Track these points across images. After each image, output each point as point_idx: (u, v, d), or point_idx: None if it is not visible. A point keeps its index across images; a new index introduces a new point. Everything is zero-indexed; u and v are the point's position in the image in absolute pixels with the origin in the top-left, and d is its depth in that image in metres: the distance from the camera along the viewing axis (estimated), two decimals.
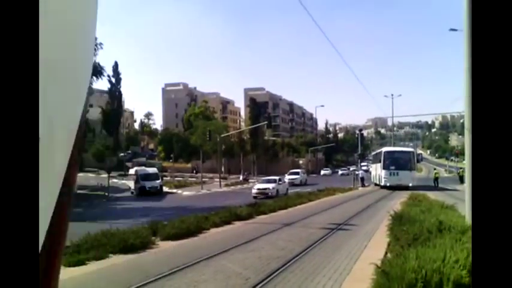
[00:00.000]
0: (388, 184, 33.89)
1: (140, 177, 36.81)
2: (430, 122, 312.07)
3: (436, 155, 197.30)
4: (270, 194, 30.24)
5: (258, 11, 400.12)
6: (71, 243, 8.92)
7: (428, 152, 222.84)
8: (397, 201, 19.72)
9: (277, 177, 35.35)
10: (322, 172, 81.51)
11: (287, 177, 43.98)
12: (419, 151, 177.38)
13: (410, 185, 32.48)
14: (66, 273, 7.31)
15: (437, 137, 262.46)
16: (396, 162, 34.45)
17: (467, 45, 9.54)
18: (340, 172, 79.98)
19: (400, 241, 8.35)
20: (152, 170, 40.56)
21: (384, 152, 36.49)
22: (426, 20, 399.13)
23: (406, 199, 18.77)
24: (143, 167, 45.07)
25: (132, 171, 45.07)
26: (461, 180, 44.24)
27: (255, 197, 29.35)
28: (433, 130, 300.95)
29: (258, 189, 31.21)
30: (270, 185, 31.99)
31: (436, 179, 42.02)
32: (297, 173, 48.03)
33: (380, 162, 35.98)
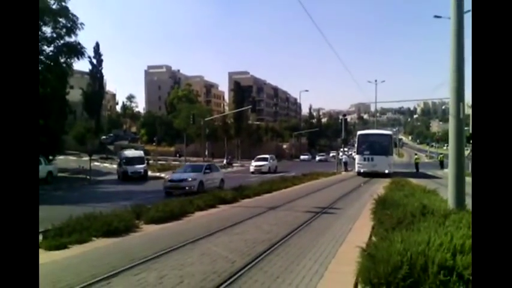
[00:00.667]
0: (362, 171, 31.03)
1: (123, 161, 34.51)
2: (412, 108, 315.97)
3: (418, 140, 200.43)
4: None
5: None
6: (52, 227, 8.76)
7: (410, 137, 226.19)
8: (380, 186, 19.98)
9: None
10: (301, 157, 78.24)
11: (253, 164, 41.66)
12: (400, 136, 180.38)
13: (386, 171, 29.65)
14: (48, 257, 7.18)
15: (418, 123, 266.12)
16: (371, 147, 31.09)
17: (454, 32, 9.54)
18: (317, 158, 75.39)
19: (384, 224, 8.43)
20: (137, 153, 37.96)
21: (358, 136, 32.97)
22: (411, 7, 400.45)
23: (388, 183, 19.00)
24: (129, 150, 42.73)
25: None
26: (442, 165, 45.61)
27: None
28: (415, 116, 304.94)
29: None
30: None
31: (416, 164, 42.85)
32: (265, 159, 42.92)
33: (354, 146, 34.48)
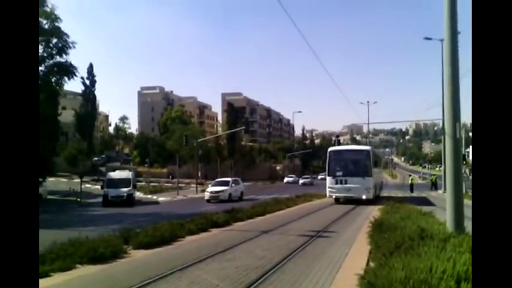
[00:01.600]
0: (334, 196, 25.01)
1: (105, 184, 31.34)
2: (404, 130, 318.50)
3: (410, 161, 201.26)
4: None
5: (237, 15, 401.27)
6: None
7: (403, 158, 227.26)
8: (375, 208, 19.69)
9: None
10: (286, 180, 70.00)
11: (208, 189, 32.43)
12: (393, 157, 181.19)
13: (364, 197, 23.77)
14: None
15: (411, 144, 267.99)
16: (345, 167, 25.03)
17: (448, 53, 9.49)
18: (301, 181, 61.95)
19: (382, 249, 8.13)
20: (124, 174, 33.85)
21: (329, 153, 25.79)
22: (402, 28, 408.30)
23: (384, 205, 18.71)
24: (118, 171, 38.85)
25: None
26: (435, 186, 45.69)
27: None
28: (407, 137, 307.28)
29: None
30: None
31: (411, 185, 42.82)
32: (225, 183, 32.23)
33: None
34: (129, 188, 30.45)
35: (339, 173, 24.34)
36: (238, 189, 32.93)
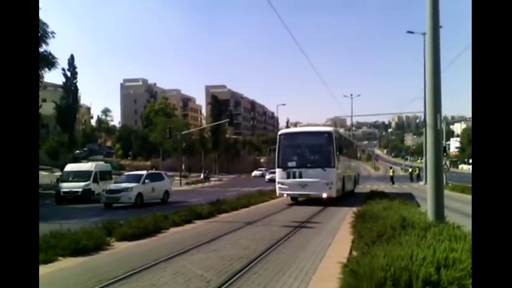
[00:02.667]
0: (285, 194, 19.41)
1: (61, 177, 27.64)
2: (386, 122, 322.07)
3: (393, 154, 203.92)
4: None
5: (222, 6, 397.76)
6: None
7: (385, 151, 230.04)
8: (365, 191, 19.95)
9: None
10: (253, 173, 66.20)
11: (111, 187, 22.81)
12: (376, 150, 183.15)
13: (324, 195, 18.19)
14: None
15: (393, 137, 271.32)
16: (299, 155, 19.28)
17: (430, 46, 9.60)
18: (267, 177, 48.49)
19: (365, 238, 8.24)
20: (85, 166, 28.78)
21: (279, 137, 19.75)
22: (385, 22, 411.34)
23: (369, 192, 19.02)
24: (79, 164, 34.07)
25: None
26: (412, 178, 46.78)
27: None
28: (390, 130, 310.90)
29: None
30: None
31: (392, 177, 43.53)
32: (135, 178, 22.99)
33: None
34: (86, 182, 25.43)
35: (292, 164, 18.76)
36: (160, 188, 24.16)
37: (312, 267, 6.95)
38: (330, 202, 18.28)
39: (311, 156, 19.45)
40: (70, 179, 26.23)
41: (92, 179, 26.24)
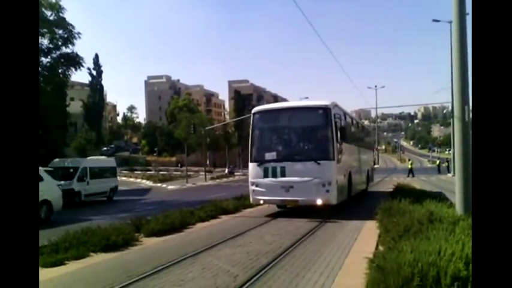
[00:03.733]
0: (261, 200, 13.40)
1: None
2: (412, 113, 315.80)
3: (419, 145, 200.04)
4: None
5: (245, 1, 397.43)
6: (49, 242, 8.51)
7: (412, 143, 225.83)
8: (386, 189, 19.68)
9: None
10: (227, 170, 55.74)
11: None
12: (402, 142, 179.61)
13: (318, 202, 12.45)
14: (43, 274, 6.91)
15: (419, 128, 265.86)
16: (280, 143, 13.85)
17: (457, 35, 9.38)
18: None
19: (391, 233, 8.17)
20: (74, 162, 24.20)
21: (255, 117, 13.96)
22: (409, 11, 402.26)
23: (392, 190, 18.71)
24: (72, 158, 28.37)
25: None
26: (439, 170, 45.80)
27: None
28: (416, 121, 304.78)
29: None
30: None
31: (410, 170, 42.71)
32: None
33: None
34: (68, 181, 21.22)
35: (271, 156, 13.00)
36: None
37: (338, 263, 6.95)
38: (330, 211, 12.91)
39: (299, 143, 13.51)
40: (61, 176, 21.22)
41: (76, 177, 21.99)
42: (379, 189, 24.16)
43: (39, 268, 7.30)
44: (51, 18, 28.86)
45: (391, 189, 18.94)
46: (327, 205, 12.57)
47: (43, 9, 28.29)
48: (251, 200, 13.58)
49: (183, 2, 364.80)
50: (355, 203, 15.59)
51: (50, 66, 29.20)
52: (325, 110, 12.84)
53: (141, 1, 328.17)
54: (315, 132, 13.41)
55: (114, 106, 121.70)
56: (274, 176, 12.73)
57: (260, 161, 13.10)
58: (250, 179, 13.37)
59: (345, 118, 15.73)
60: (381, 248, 7.66)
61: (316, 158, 12.45)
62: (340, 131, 12.99)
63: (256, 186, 13.12)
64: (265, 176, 12.87)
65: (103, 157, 29.66)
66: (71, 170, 22.47)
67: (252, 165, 13.37)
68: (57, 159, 24.14)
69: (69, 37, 29.05)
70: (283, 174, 12.63)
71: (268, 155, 13.07)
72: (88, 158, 27.79)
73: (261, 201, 13.36)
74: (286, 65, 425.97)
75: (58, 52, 29.41)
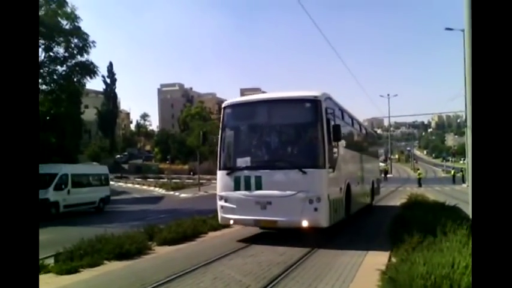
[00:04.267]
0: (231, 220, 10.54)
1: None
2: (426, 122, 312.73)
3: (433, 155, 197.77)
4: None
5: (256, 10, 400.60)
6: (64, 250, 8.64)
7: (425, 152, 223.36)
8: (397, 202, 19.50)
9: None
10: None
11: None
12: (416, 152, 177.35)
13: (304, 223, 9.50)
14: (58, 282, 7.06)
15: (433, 137, 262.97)
16: (255, 145, 10.99)
17: (469, 43, 9.34)
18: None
19: (404, 244, 8.12)
20: (53, 168, 20.66)
21: (225, 112, 11.23)
22: (422, 19, 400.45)
23: (405, 200, 18.53)
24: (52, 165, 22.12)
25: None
26: (454, 180, 45.19)
27: None
28: (430, 130, 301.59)
29: None
30: None
31: (419, 180, 42.18)
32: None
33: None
34: (44, 190, 18.95)
35: (243, 162, 10.41)
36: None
37: (349, 275, 6.93)
38: (322, 235, 10.29)
39: (280, 146, 10.70)
40: None
41: (52, 185, 19.71)
42: (388, 202, 22.03)
43: (55, 275, 7.46)
44: (67, 27, 29.49)
45: (403, 202, 17.96)
46: (313, 227, 9.73)
47: (59, 18, 28.95)
48: (219, 219, 10.88)
49: (195, 10, 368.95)
50: (356, 223, 13.17)
51: (66, 74, 29.76)
52: (314, 102, 10.07)
53: (154, 10, 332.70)
54: (300, 132, 10.67)
55: (128, 114, 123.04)
56: (248, 188, 10.05)
57: (230, 169, 10.46)
58: (218, 192, 10.75)
59: (342, 116, 12.73)
60: (394, 260, 7.61)
61: (302, 165, 9.67)
62: (334, 131, 9.97)
63: (225, 201, 10.48)
64: (236, 188, 10.22)
65: (94, 163, 26.89)
66: (47, 178, 19.64)
67: (220, 175, 10.74)
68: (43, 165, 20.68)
69: (84, 46, 29.64)
70: (258, 187, 9.94)
71: (241, 161, 10.39)
72: (79, 164, 25.29)
73: (231, 222, 10.62)
74: (297, 72, 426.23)
75: (73, 61, 30.00)
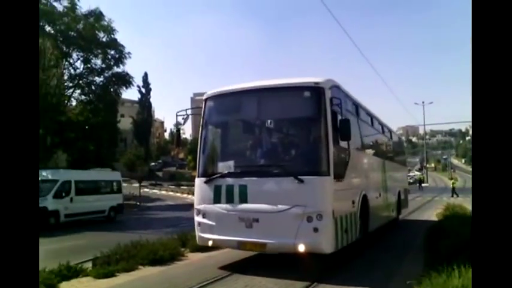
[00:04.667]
0: (210, 241, 8.29)
1: None
2: (463, 130, 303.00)
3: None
4: None
5: (288, 20, 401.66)
6: (101, 254, 8.94)
7: (463, 160, 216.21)
8: (430, 216, 18.89)
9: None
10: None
11: None
12: (453, 160, 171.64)
13: (300, 248, 7.30)
14: (96, 285, 7.31)
15: (471, 145, 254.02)
16: (244, 146, 8.94)
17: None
18: None
19: (440, 256, 7.92)
20: (56, 174, 19.81)
21: (206, 106, 9.04)
22: (458, 23, 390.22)
23: (442, 210, 17.98)
24: (64, 170, 22.63)
25: None
26: None
27: None
28: (467, 138, 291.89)
29: None
30: None
31: (453, 189, 40.80)
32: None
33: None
34: (42, 198, 17.43)
35: (226, 168, 8.29)
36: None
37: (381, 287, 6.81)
38: (329, 262, 8.22)
39: (271, 148, 8.64)
40: None
41: (52, 193, 18.39)
42: (421, 216, 19.56)
43: (93, 279, 7.73)
44: (103, 40, 30.72)
45: (438, 213, 17.06)
46: (315, 253, 7.53)
47: (96, 31, 30.20)
48: (197, 239, 8.67)
49: (228, 21, 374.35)
50: (376, 243, 10.98)
51: (103, 85, 30.94)
52: (315, 91, 7.84)
53: (188, 21, 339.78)
54: (298, 129, 8.77)
55: (162, 122, 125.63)
56: (230, 200, 7.93)
57: (210, 176, 8.32)
58: (195, 205, 8.63)
59: (357, 111, 10.29)
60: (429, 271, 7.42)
61: (299, 171, 7.47)
62: (342, 128, 7.63)
63: (203, 216, 8.34)
64: (216, 200, 8.11)
65: (106, 169, 24.85)
66: (48, 184, 18.47)
67: (198, 183, 8.62)
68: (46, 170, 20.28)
69: (120, 57, 30.80)
70: (243, 199, 7.80)
71: (223, 166, 8.33)
72: (88, 170, 23.52)
73: (209, 243, 8.32)
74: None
75: (110, 72, 31.15)
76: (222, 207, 8.03)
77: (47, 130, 28.10)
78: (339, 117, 7.81)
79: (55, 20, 28.68)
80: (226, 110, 9.01)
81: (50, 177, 19.10)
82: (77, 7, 29.65)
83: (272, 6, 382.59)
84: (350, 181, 8.80)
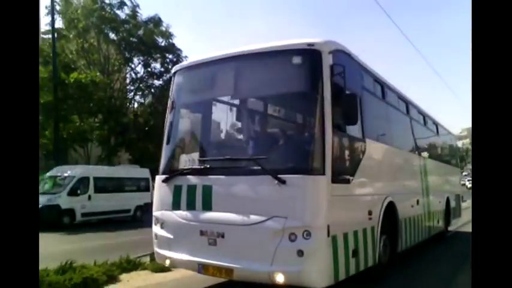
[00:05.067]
0: (167, 260, 6.21)
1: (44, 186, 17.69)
2: None
3: None
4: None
5: (343, 21, 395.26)
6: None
7: None
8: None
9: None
10: None
11: None
12: None
13: (279, 279, 4.88)
14: (153, 279, 7.57)
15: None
16: (215, 133, 7.03)
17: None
18: None
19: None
20: (72, 171, 18.37)
21: (175, 81, 6.77)
22: None
23: None
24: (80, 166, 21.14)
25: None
26: None
27: None
28: None
29: None
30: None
31: None
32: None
33: None
34: (52, 196, 16.66)
35: (188, 162, 6.27)
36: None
37: None
38: None
39: (246, 135, 6.62)
40: (48, 188, 17.33)
41: (67, 190, 17.08)
42: None
43: (150, 273, 8.03)
44: (162, 44, 32.03)
45: None
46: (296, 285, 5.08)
47: (155, 36, 31.59)
48: (155, 255, 6.62)
49: (282, 20, 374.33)
50: (410, 264, 8.60)
51: (162, 88, 32.18)
52: (310, 55, 5.41)
53: (242, 23, 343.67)
54: (285, 109, 6.96)
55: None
56: (191, 206, 5.85)
57: (170, 174, 6.27)
58: (153, 211, 6.55)
59: (382, 90, 7.86)
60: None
61: (280, 168, 5.23)
62: (347, 106, 5.33)
63: (162, 226, 6.28)
64: (175, 206, 6.05)
65: (134, 166, 22.52)
66: (63, 181, 17.51)
67: (158, 182, 6.52)
68: (58, 167, 18.90)
69: (178, 61, 31.96)
70: (206, 205, 5.67)
71: (185, 160, 6.44)
72: (112, 166, 22.22)
73: (167, 262, 6.30)
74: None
75: (168, 75, 32.41)
76: (181, 215, 5.91)
77: (111, 131, 29.71)
78: (345, 93, 5.32)
79: (118, 27, 30.28)
80: (196, 87, 6.70)
81: (66, 173, 17.92)
82: (138, 14, 31.14)
83: (325, 7, 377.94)
84: (365, 183, 6.35)
